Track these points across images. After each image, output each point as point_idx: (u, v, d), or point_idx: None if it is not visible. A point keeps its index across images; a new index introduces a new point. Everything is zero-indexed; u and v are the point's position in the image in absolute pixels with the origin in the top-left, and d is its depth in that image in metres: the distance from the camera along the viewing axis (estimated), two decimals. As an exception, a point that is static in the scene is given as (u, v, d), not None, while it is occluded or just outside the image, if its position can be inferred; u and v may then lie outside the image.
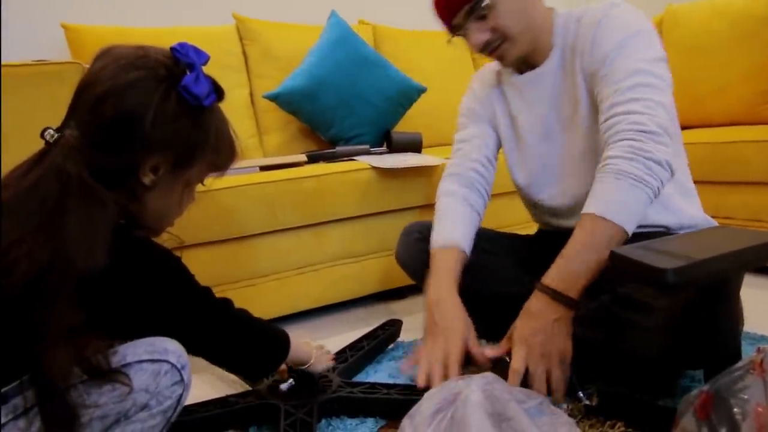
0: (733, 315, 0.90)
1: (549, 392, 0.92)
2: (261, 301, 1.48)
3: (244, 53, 2.04)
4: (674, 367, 0.99)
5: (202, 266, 1.37)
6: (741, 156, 1.68)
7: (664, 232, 1.07)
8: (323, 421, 0.99)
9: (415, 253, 1.27)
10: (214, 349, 0.84)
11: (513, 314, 0.98)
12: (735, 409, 0.64)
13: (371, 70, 1.98)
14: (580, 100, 1.08)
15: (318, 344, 1.08)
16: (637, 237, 0.92)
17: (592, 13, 1.06)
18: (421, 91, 2.08)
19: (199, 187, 0.86)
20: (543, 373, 0.91)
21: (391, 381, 1.13)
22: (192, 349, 0.79)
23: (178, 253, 0.80)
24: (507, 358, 1.00)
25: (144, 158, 0.75)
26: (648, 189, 0.92)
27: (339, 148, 1.77)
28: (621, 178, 0.92)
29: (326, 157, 1.70)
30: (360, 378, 1.16)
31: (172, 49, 0.78)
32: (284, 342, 0.93)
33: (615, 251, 0.84)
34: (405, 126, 2.09)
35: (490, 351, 1.02)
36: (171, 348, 0.74)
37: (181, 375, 0.73)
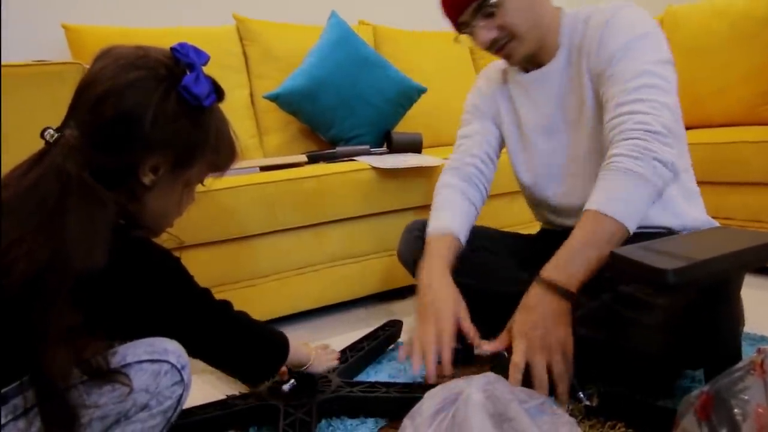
0: (734, 315, 0.90)
1: (551, 389, 0.92)
2: (261, 302, 1.48)
3: (245, 53, 2.05)
4: (674, 366, 0.99)
5: (202, 266, 1.38)
6: (741, 156, 1.68)
7: (667, 233, 1.07)
8: (323, 421, 0.99)
9: (417, 250, 1.27)
10: (212, 352, 0.84)
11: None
12: (735, 410, 0.64)
13: (371, 70, 1.98)
14: (586, 101, 1.09)
15: (322, 344, 1.08)
16: (639, 238, 0.92)
17: (600, 14, 1.07)
18: (421, 91, 2.08)
19: (199, 188, 0.86)
20: (544, 367, 0.90)
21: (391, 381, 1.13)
22: (191, 351, 0.79)
23: (177, 254, 0.80)
24: (506, 353, 1.00)
25: (144, 158, 0.75)
26: (651, 188, 0.92)
27: (339, 149, 1.77)
28: (625, 175, 0.92)
29: (326, 158, 1.70)
30: (360, 379, 1.16)
31: (173, 49, 0.78)
32: (283, 345, 0.93)
33: (615, 252, 0.84)
34: (405, 126, 2.09)
35: (488, 346, 1.02)
36: (171, 348, 0.74)
37: (181, 375, 0.73)
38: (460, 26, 1.10)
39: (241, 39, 2.05)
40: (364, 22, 2.33)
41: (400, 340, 1.36)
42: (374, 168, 1.58)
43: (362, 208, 1.58)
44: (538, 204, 1.25)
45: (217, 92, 0.81)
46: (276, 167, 1.58)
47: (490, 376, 0.85)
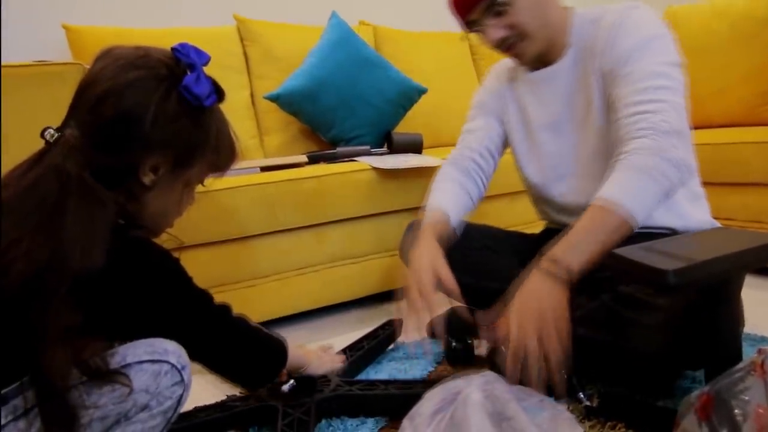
0: (734, 316, 0.90)
1: (550, 389, 0.91)
2: (261, 302, 1.48)
3: (245, 54, 2.05)
4: (674, 367, 0.99)
5: (202, 267, 1.38)
6: (741, 157, 1.68)
7: (670, 234, 1.06)
8: (323, 421, 0.99)
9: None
10: (210, 355, 0.83)
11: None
12: (736, 411, 0.64)
13: (372, 70, 1.98)
14: (593, 101, 1.09)
15: (324, 345, 1.07)
16: (643, 238, 0.92)
17: (610, 15, 1.07)
18: (421, 92, 2.08)
19: (200, 188, 0.86)
20: (539, 354, 0.86)
21: (391, 382, 1.13)
22: (189, 354, 0.79)
23: (177, 254, 0.79)
24: (503, 348, 1.00)
25: (144, 158, 0.75)
26: (660, 186, 0.91)
27: (340, 149, 1.77)
28: (636, 171, 0.92)
29: (327, 158, 1.70)
30: (360, 378, 1.16)
31: (173, 49, 0.78)
32: (281, 350, 0.92)
33: (616, 252, 0.84)
34: (405, 127, 2.09)
35: (483, 320, 1.01)
36: (171, 348, 0.74)
37: (181, 375, 0.73)
38: (469, 24, 1.10)
39: (241, 39, 2.05)
40: (364, 23, 2.33)
41: (399, 339, 1.36)
42: (375, 168, 1.58)
43: (362, 209, 1.58)
44: (543, 202, 1.25)
45: (218, 92, 0.81)
46: (276, 167, 1.58)
47: (489, 375, 0.85)
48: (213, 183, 0.89)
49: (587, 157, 1.12)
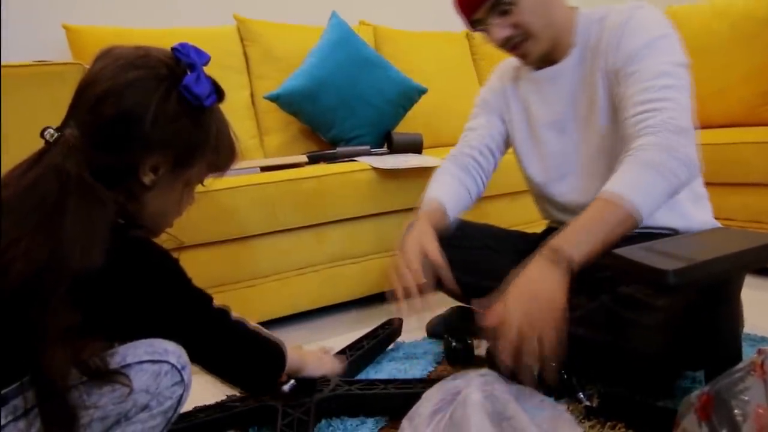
0: (734, 316, 0.90)
1: (550, 388, 0.91)
2: (261, 302, 1.48)
3: (245, 54, 2.05)
4: (674, 367, 0.99)
5: (202, 267, 1.39)
6: (741, 157, 1.68)
7: (672, 234, 1.06)
8: (323, 421, 0.99)
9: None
10: (208, 356, 0.82)
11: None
12: (736, 411, 0.64)
13: (372, 71, 1.98)
14: (597, 100, 1.09)
15: (323, 347, 1.07)
16: (645, 238, 0.92)
17: (616, 14, 1.07)
18: (421, 92, 2.08)
19: (200, 188, 0.86)
20: (526, 330, 0.84)
21: (391, 382, 1.13)
22: (188, 355, 0.78)
23: (177, 254, 0.79)
24: (494, 333, 0.99)
25: (144, 158, 0.75)
26: (669, 182, 0.91)
27: (340, 149, 1.77)
28: (645, 166, 0.91)
29: (327, 158, 1.70)
30: (360, 378, 1.16)
31: (173, 49, 0.78)
32: (280, 355, 0.91)
33: (616, 252, 0.84)
34: (405, 127, 2.09)
35: (479, 305, 1.00)
36: (171, 348, 0.74)
37: (181, 375, 0.73)
38: (474, 23, 1.10)
39: (241, 39, 2.05)
40: (364, 23, 2.33)
41: (399, 339, 1.36)
42: (375, 168, 1.58)
43: (362, 209, 1.58)
44: (545, 201, 1.25)
45: (218, 92, 0.81)
46: (276, 167, 1.58)
47: (489, 375, 0.85)
48: (213, 183, 0.89)
49: (590, 156, 1.12)
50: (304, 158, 1.69)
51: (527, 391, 0.85)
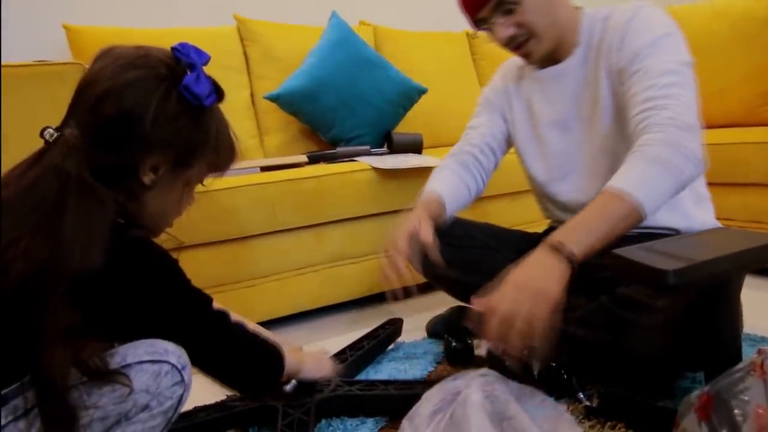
0: (734, 316, 0.90)
1: (551, 389, 0.91)
2: (261, 302, 1.48)
3: (245, 54, 2.05)
4: (674, 368, 0.99)
5: (202, 267, 1.39)
6: (741, 157, 1.68)
7: (673, 234, 1.06)
8: (323, 422, 0.99)
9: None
10: (207, 358, 0.81)
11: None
12: (735, 411, 0.64)
13: (372, 71, 1.98)
14: (600, 100, 1.09)
15: (320, 349, 1.06)
16: (646, 238, 0.91)
17: (620, 13, 1.07)
18: (421, 92, 2.08)
19: (199, 188, 0.86)
20: (516, 316, 0.81)
21: (391, 382, 1.13)
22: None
23: (176, 254, 0.79)
24: (498, 351, 1.00)
25: (144, 157, 0.75)
26: (675, 178, 0.90)
27: (340, 149, 1.77)
28: (651, 161, 0.91)
29: (327, 158, 1.70)
30: (360, 378, 1.16)
31: (173, 49, 0.78)
32: (279, 358, 0.90)
33: (616, 252, 0.84)
34: (405, 127, 2.09)
35: (477, 301, 0.99)
36: (171, 348, 0.74)
37: (181, 375, 0.73)
38: (478, 22, 1.10)
39: (241, 39, 2.05)
40: (364, 23, 2.33)
41: (400, 339, 1.36)
42: (375, 168, 1.58)
43: (362, 209, 1.58)
44: (547, 200, 1.25)
45: (218, 92, 0.81)
46: (276, 167, 1.58)
47: (489, 375, 0.85)
48: (213, 183, 0.89)
49: (592, 155, 1.12)
50: (304, 158, 1.69)
51: (528, 391, 0.85)
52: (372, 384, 1.04)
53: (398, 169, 1.57)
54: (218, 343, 0.82)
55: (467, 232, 1.27)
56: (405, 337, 1.37)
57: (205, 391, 1.05)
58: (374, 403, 1.01)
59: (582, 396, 0.96)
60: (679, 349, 0.91)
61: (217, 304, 0.83)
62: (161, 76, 0.75)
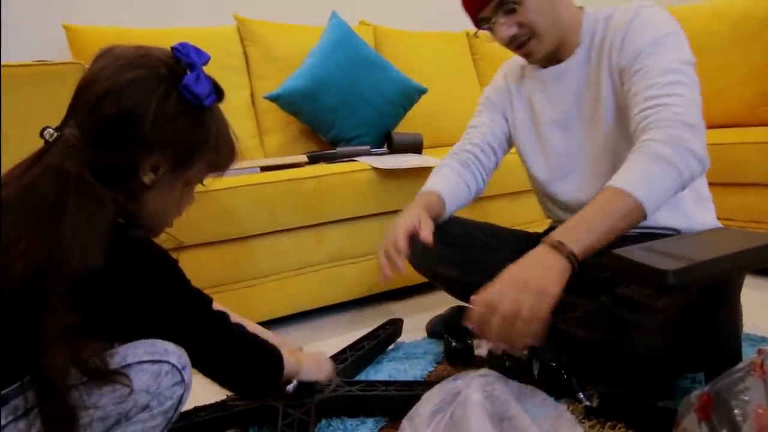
0: (734, 316, 0.90)
1: (551, 388, 0.91)
2: (261, 302, 1.48)
3: (245, 54, 2.05)
4: (674, 368, 0.99)
5: (201, 267, 1.39)
6: (741, 158, 1.68)
7: (674, 235, 1.06)
8: (323, 421, 0.99)
9: (417, 246, 1.27)
10: (206, 359, 0.81)
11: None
12: (735, 411, 0.64)
13: (372, 71, 1.98)
14: (601, 99, 1.09)
15: (317, 352, 1.06)
16: (646, 238, 0.91)
17: (622, 13, 1.07)
18: (421, 92, 2.08)
19: (199, 188, 0.86)
20: (513, 308, 0.81)
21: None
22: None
23: (176, 254, 0.79)
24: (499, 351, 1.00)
25: (144, 157, 0.75)
26: (678, 176, 0.90)
27: (340, 149, 1.77)
28: (653, 158, 0.91)
29: (327, 158, 1.70)
30: (360, 378, 1.16)
31: (173, 48, 0.77)
32: (279, 360, 0.90)
33: (615, 252, 0.84)
34: (405, 127, 2.09)
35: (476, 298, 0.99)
36: (171, 348, 0.74)
37: (181, 375, 0.73)
38: (480, 22, 1.10)
39: (241, 39, 2.05)
40: (364, 23, 2.33)
41: (400, 339, 1.36)
42: (375, 168, 1.58)
43: (362, 209, 1.58)
44: (548, 199, 1.26)
45: (217, 92, 0.81)
46: (276, 167, 1.58)
47: (489, 375, 0.85)
48: (213, 183, 0.89)
49: (594, 155, 1.13)
50: (304, 158, 1.69)
51: (528, 390, 0.85)
52: (372, 385, 1.04)
53: (398, 169, 1.57)
54: (217, 344, 0.82)
55: (467, 231, 1.27)
56: (405, 337, 1.37)
57: (205, 391, 1.05)
58: (374, 404, 1.00)
59: (582, 396, 0.96)
60: (679, 349, 0.91)
61: (217, 305, 0.83)
62: (161, 75, 0.75)
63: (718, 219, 1.13)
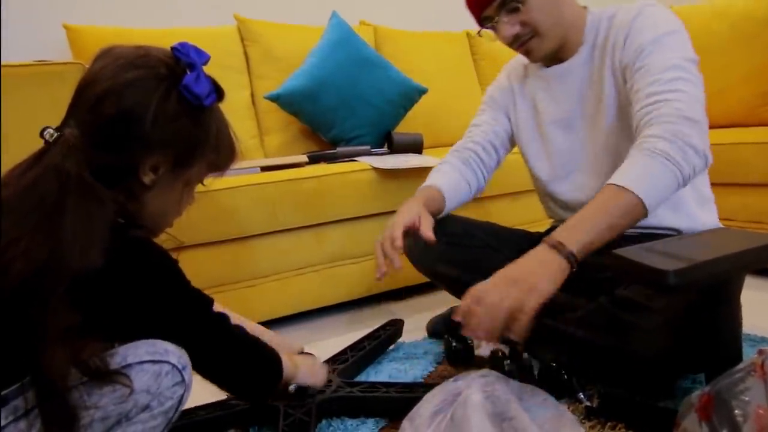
0: (734, 317, 0.90)
1: (551, 388, 0.91)
2: (261, 302, 1.48)
3: (246, 54, 2.05)
4: (675, 369, 0.98)
5: (202, 267, 1.39)
6: (741, 158, 1.68)
7: (676, 235, 1.06)
8: (324, 422, 0.99)
9: (418, 245, 1.27)
10: (206, 360, 0.80)
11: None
12: (736, 411, 0.64)
13: (372, 71, 1.98)
14: (604, 99, 1.09)
15: (310, 356, 1.06)
16: (648, 238, 0.91)
17: (626, 12, 1.07)
18: (421, 92, 2.08)
19: (199, 188, 0.86)
20: (503, 299, 0.82)
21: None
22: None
23: (176, 254, 0.79)
24: (500, 353, 0.99)
25: (144, 157, 0.75)
26: (679, 172, 0.90)
27: (340, 149, 1.77)
28: (653, 155, 0.91)
29: (327, 158, 1.70)
30: (360, 379, 1.16)
31: (173, 48, 0.77)
32: (278, 363, 0.90)
33: (616, 252, 0.84)
34: (406, 127, 2.09)
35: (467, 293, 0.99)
36: (172, 349, 0.74)
37: (182, 375, 0.73)
38: (484, 20, 1.11)
39: (242, 39, 2.05)
40: (365, 23, 2.33)
41: (400, 340, 1.36)
42: (375, 168, 1.58)
43: (363, 209, 1.58)
44: (549, 199, 1.26)
45: (218, 92, 0.81)
46: (277, 167, 1.58)
47: (490, 375, 0.85)
48: (213, 183, 0.89)
49: (595, 154, 1.13)
50: (304, 158, 1.69)
51: (529, 390, 0.85)
52: (373, 386, 1.04)
53: (398, 169, 1.57)
54: (216, 346, 0.82)
55: (468, 230, 1.27)
56: (405, 336, 1.37)
57: (205, 391, 1.05)
58: (375, 406, 1.00)
59: (582, 396, 0.96)
60: (680, 349, 0.91)
61: (218, 306, 0.83)
62: (161, 75, 0.75)
63: (719, 219, 1.12)
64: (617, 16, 1.08)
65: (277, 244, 1.49)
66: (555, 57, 1.15)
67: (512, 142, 1.31)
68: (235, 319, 0.89)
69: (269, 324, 1.38)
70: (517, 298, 0.82)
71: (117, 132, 0.73)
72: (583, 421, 0.91)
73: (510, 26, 1.07)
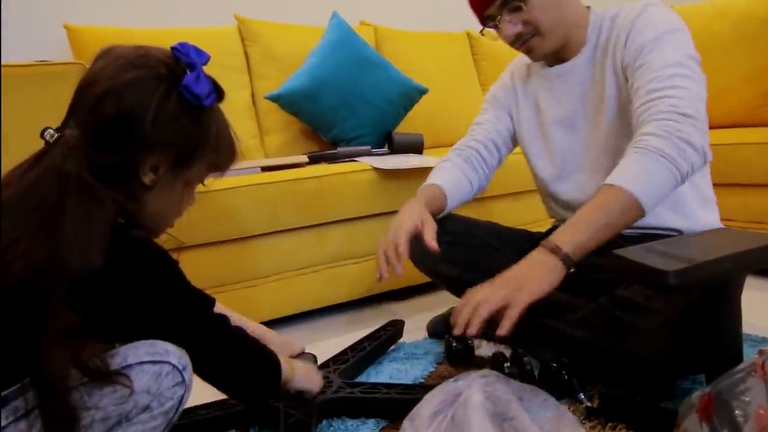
0: (735, 317, 0.90)
1: (552, 388, 0.91)
2: (262, 302, 1.48)
3: (246, 54, 2.05)
4: (675, 369, 0.98)
5: (202, 267, 1.39)
6: (742, 158, 1.68)
7: (677, 236, 1.06)
8: (324, 422, 0.99)
9: (418, 244, 1.27)
10: (206, 361, 0.80)
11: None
12: (736, 412, 0.64)
13: (372, 71, 1.98)
14: (605, 98, 1.09)
15: (305, 360, 1.06)
16: (649, 239, 0.91)
17: (628, 11, 1.08)
18: (422, 92, 2.08)
19: (200, 188, 0.86)
20: (497, 296, 0.85)
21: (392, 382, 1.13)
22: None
23: (177, 255, 0.79)
24: (501, 355, 0.99)
25: (144, 157, 0.75)
26: (676, 169, 0.90)
27: (340, 149, 1.77)
28: (650, 154, 0.91)
29: (328, 158, 1.70)
30: (361, 379, 1.16)
31: (173, 48, 0.77)
32: (277, 365, 0.89)
33: (616, 252, 0.84)
34: (406, 127, 2.09)
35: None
36: (172, 349, 0.74)
37: (182, 376, 0.73)
38: (486, 19, 1.11)
39: (242, 39, 2.05)
40: (365, 23, 2.33)
41: (401, 340, 1.36)
42: (375, 169, 1.58)
43: (363, 209, 1.58)
44: (550, 198, 1.26)
45: (218, 92, 0.81)
46: (277, 168, 1.58)
47: (490, 375, 0.85)
48: (213, 183, 0.89)
49: (596, 154, 1.13)
50: (304, 158, 1.69)
51: (529, 390, 0.85)
52: (374, 387, 1.04)
53: (399, 170, 1.57)
54: (216, 347, 0.81)
55: (469, 230, 1.27)
56: (406, 337, 1.37)
57: (205, 392, 1.05)
58: (376, 406, 1.00)
59: (582, 396, 0.96)
60: (680, 350, 0.91)
61: (218, 307, 0.83)
62: (161, 75, 0.75)
63: (720, 220, 1.12)
64: (620, 16, 1.09)
65: (277, 245, 1.49)
66: (558, 57, 1.15)
67: (514, 141, 1.31)
68: (237, 319, 0.89)
69: (270, 324, 1.38)
70: (506, 296, 0.85)
71: (117, 132, 0.73)
72: (583, 421, 0.91)
73: (512, 25, 1.07)
